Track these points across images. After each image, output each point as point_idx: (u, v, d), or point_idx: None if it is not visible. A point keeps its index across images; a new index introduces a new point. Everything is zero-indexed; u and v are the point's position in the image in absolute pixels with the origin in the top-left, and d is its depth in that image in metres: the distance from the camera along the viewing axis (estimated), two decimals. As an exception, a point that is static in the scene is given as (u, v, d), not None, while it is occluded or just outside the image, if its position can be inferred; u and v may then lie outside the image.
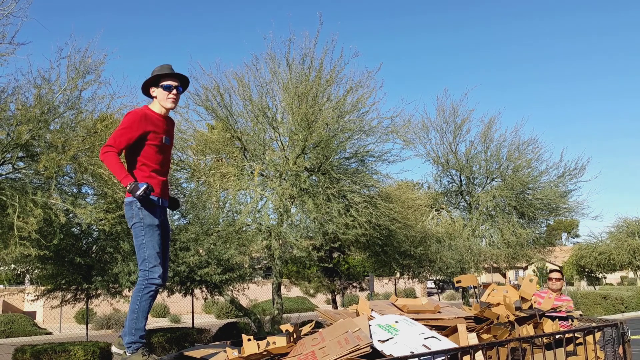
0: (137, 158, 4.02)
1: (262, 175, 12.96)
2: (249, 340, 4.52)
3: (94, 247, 10.84)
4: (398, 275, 21.53)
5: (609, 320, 4.45)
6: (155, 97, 4.17)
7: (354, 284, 21.00)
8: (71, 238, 10.14)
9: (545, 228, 23.42)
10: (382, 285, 31.38)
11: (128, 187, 3.78)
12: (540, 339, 4.19)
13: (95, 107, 9.42)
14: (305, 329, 4.76)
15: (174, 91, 4.13)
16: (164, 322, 25.84)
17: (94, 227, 10.14)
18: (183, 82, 4.27)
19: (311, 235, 12.80)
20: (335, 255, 17.73)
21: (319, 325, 5.42)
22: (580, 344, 4.29)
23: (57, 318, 23.51)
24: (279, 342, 4.10)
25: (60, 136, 8.51)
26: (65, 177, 9.46)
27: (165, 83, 4.13)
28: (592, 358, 4.14)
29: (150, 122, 4.04)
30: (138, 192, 3.74)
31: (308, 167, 12.37)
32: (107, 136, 9.41)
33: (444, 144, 19.83)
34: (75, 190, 9.74)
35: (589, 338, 4.24)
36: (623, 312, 25.38)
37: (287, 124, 12.71)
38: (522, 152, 19.30)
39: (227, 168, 12.67)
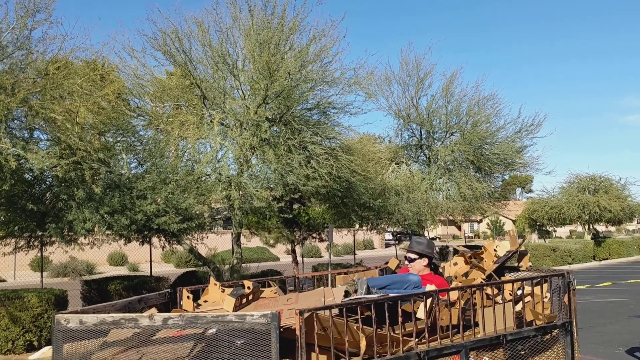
0: None
1: (222, 124, 12.75)
2: (215, 284, 4.56)
3: (47, 194, 10.56)
4: (357, 226, 21.82)
5: (557, 271, 4.63)
6: None
7: (314, 235, 21.15)
8: (23, 184, 9.83)
9: (500, 183, 23.99)
10: (341, 237, 31.85)
11: None
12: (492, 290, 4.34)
13: (47, 48, 9.01)
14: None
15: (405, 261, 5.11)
16: (122, 271, 25.71)
17: (48, 174, 9.86)
18: None
19: (271, 186, 12.76)
20: (295, 206, 17.77)
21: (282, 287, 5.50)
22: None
23: (11, 265, 23.08)
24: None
25: (9, 77, 8.14)
26: (15, 121, 9.10)
27: None
28: (539, 305, 4.32)
29: None
30: None
31: (269, 117, 12.22)
32: (58, 79, 9.06)
33: (406, 98, 19.91)
34: (26, 134, 9.39)
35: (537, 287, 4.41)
36: (570, 264, 26.54)
37: (248, 72, 12.45)
38: (482, 107, 19.55)
39: (186, 116, 12.40)
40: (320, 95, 13.10)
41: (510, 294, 4.38)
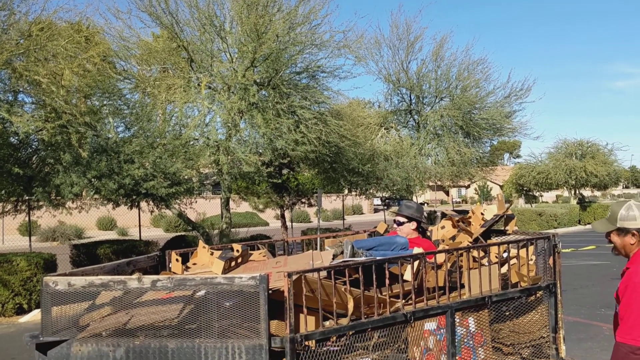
0: None
1: (209, 88, 12.61)
2: (204, 247, 4.58)
3: (34, 158, 10.47)
4: (346, 191, 21.89)
5: (543, 234, 4.68)
6: None
7: (303, 200, 21.22)
8: (9, 148, 9.73)
9: (489, 148, 24.09)
10: (330, 202, 31.95)
11: None
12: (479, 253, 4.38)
13: (29, 8, 8.82)
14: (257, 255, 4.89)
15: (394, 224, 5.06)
16: (111, 235, 25.73)
17: (33, 137, 9.75)
18: None
19: (260, 151, 12.72)
20: (284, 171, 17.76)
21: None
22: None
23: (-2, 230, 23.04)
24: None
25: (-10, 39, 7.95)
26: (-2, 84, 8.95)
27: None
28: (524, 268, 4.38)
29: None
30: None
31: (257, 80, 12.09)
32: (42, 41, 8.87)
33: (395, 62, 19.75)
34: (10, 97, 9.24)
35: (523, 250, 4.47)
36: (556, 228, 26.90)
37: (236, 34, 12.26)
38: (472, 71, 19.46)
39: (173, 79, 12.23)
40: (309, 59, 12.97)
41: (496, 257, 4.43)
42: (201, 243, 4.62)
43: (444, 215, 5.73)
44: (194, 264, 4.68)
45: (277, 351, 3.30)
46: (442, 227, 5.33)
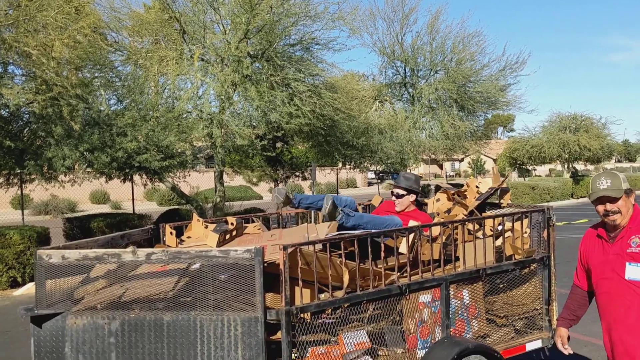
0: None
1: (202, 60, 12.44)
2: (198, 220, 4.56)
3: (25, 131, 10.35)
4: (340, 165, 21.88)
5: (537, 206, 4.69)
6: None
7: (297, 174, 21.19)
8: (0, 120, 9.61)
9: (483, 121, 24.03)
10: (324, 175, 31.99)
11: None
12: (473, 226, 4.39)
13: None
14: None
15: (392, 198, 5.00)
16: (104, 209, 25.67)
17: (24, 110, 9.63)
18: None
19: (254, 124, 12.63)
20: (278, 145, 17.69)
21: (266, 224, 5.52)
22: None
23: (-9, 203, 22.92)
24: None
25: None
26: (-13, 55, 8.78)
27: None
28: (519, 240, 4.39)
29: None
30: None
31: (251, 52, 11.94)
32: (32, 11, 8.69)
33: (390, 34, 19.53)
34: (0, 69, 9.09)
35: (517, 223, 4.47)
36: (549, 201, 27.04)
37: (229, 5, 12.05)
38: (467, 44, 19.27)
39: (165, 51, 12.06)
40: (303, 31, 12.80)
41: (491, 230, 4.44)
42: (195, 216, 4.61)
43: (438, 188, 5.70)
44: (189, 237, 4.67)
45: (273, 324, 3.31)
46: (438, 200, 5.32)
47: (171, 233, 4.35)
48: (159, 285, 3.50)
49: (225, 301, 3.27)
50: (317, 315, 3.49)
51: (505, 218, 4.51)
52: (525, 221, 4.54)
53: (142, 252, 3.29)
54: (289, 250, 3.27)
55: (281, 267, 3.23)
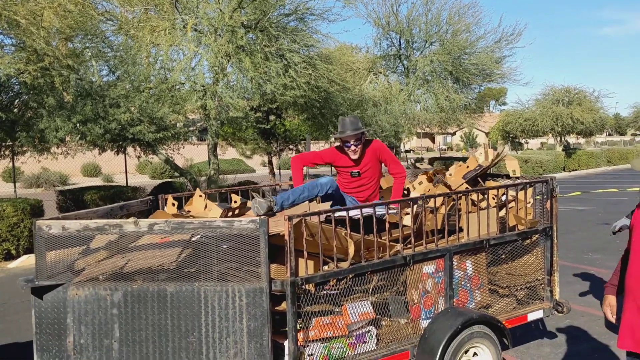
0: None
1: (195, 30, 12.20)
2: (200, 195, 4.47)
3: (16, 102, 10.17)
4: (334, 138, 21.73)
5: (540, 177, 4.65)
6: None
7: (291, 147, 21.07)
8: (-11, 91, 9.44)
9: (476, 94, 23.91)
10: (318, 148, 31.81)
11: None
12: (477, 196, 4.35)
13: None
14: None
15: (351, 147, 4.49)
16: (97, 182, 25.49)
17: (15, 80, 9.42)
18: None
19: (248, 96, 12.48)
20: (272, 118, 17.53)
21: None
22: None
23: (-19, 176, 22.68)
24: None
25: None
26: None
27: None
28: (522, 211, 4.36)
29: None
30: None
31: (245, 23, 11.72)
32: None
33: (385, 5, 19.33)
34: (-11, 38, 8.89)
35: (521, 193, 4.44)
36: (541, 174, 27.12)
37: (223, -27, 11.80)
38: (463, 15, 19.11)
39: (158, 21, 11.81)
40: (297, 1, 12.57)
41: (494, 199, 4.41)
42: (198, 191, 4.50)
43: (415, 167, 5.55)
44: (189, 211, 4.59)
45: (277, 295, 3.28)
46: (420, 183, 5.15)
47: (173, 204, 4.27)
48: (161, 257, 3.45)
49: (229, 272, 3.23)
50: (322, 286, 3.47)
51: (508, 188, 4.47)
52: (530, 191, 4.51)
53: (145, 222, 3.22)
54: (294, 221, 3.22)
55: (286, 237, 3.18)
